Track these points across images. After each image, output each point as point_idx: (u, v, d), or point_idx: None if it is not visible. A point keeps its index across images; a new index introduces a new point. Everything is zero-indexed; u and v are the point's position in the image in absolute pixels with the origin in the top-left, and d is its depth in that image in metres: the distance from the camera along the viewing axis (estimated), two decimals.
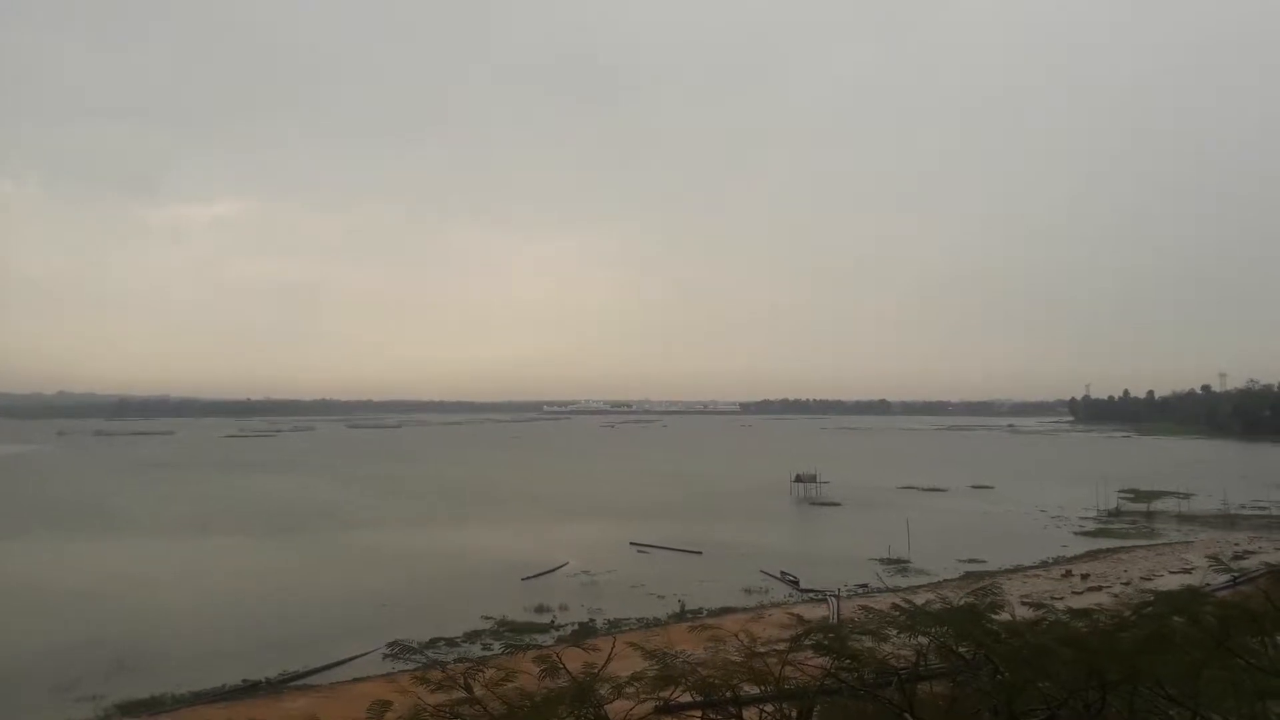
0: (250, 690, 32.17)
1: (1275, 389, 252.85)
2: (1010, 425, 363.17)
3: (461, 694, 9.90)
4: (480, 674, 10.12)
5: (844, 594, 45.00)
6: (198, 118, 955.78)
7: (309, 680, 33.47)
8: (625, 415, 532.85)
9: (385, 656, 35.87)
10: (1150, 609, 10.43)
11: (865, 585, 47.78)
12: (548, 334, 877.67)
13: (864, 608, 12.07)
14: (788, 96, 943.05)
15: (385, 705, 9.74)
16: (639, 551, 62.43)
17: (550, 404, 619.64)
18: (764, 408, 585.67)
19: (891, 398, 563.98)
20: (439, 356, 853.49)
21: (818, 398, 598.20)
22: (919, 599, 11.19)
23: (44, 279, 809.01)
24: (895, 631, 10.33)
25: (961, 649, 9.84)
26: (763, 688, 10.17)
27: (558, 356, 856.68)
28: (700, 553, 60.87)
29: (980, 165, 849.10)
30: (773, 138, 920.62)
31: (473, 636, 39.44)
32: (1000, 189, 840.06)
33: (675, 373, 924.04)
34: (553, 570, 54.69)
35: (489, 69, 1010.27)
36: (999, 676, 9.12)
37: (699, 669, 10.25)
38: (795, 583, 50.67)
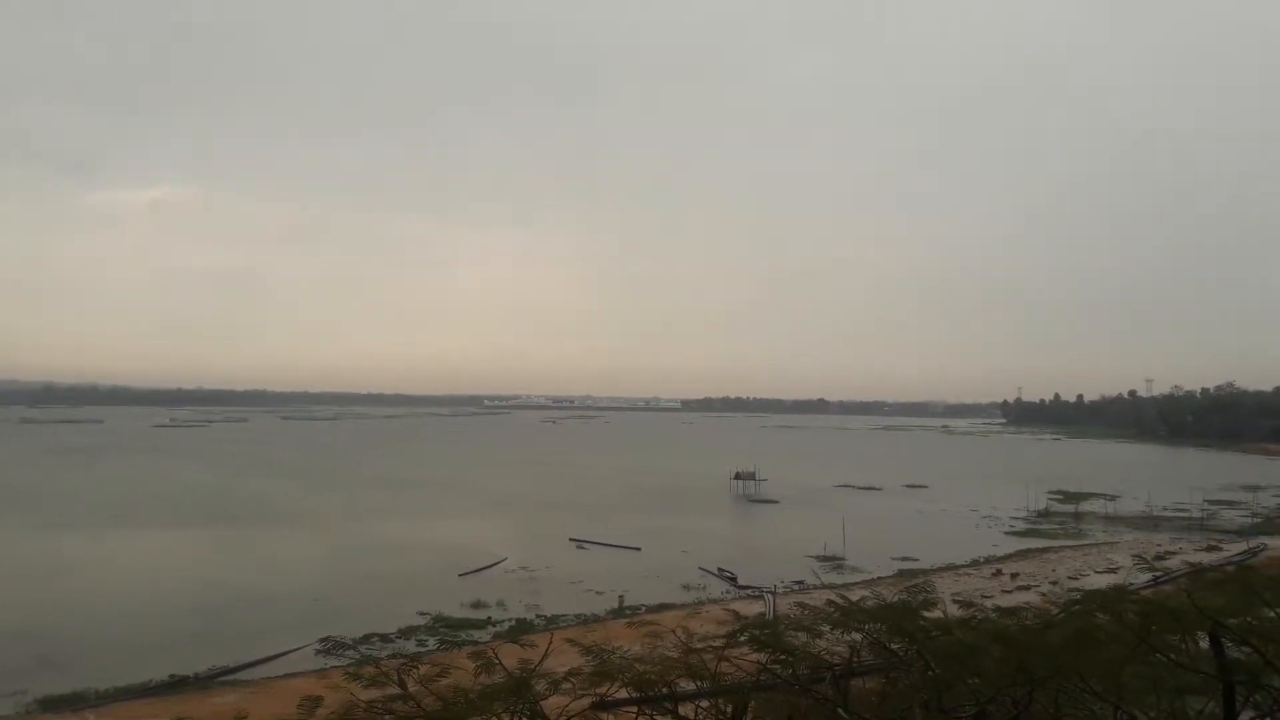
0: (177, 686, 31.48)
1: (1198, 395, 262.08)
2: (944, 426, 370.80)
3: (395, 690, 9.79)
4: (414, 670, 9.99)
5: (780, 590, 45.52)
6: (144, 103, 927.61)
7: (239, 675, 32.87)
8: (567, 411, 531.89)
9: (318, 652, 35.55)
10: (1077, 607, 10.72)
11: (801, 582, 48.29)
12: (491, 329, 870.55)
13: (799, 604, 12.21)
14: (742, 97, 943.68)
15: (316, 701, 9.56)
16: (578, 547, 62.40)
17: (491, 398, 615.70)
18: (705, 405, 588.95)
19: (830, 397, 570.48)
20: (378, 350, 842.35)
21: (758, 396, 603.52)
22: (854, 595, 11.32)
23: None
24: (830, 628, 10.46)
25: (894, 645, 9.99)
26: (699, 683, 10.24)
27: (500, 351, 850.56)
28: (639, 549, 61.02)
29: (937, 166, 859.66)
30: (727, 138, 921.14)
31: (408, 633, 39.04)
32: (951, 192, 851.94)
33: (619, 370, 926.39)
34: (491, 566, 54.38)
35: (443, 62, 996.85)
36: (930, 672, 9.27)
37: (636, 665, 10.26)
38: (733, 579, 51.07)
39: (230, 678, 32.56)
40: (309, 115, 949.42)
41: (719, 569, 53.57)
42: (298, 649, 35.71)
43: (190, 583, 49.47)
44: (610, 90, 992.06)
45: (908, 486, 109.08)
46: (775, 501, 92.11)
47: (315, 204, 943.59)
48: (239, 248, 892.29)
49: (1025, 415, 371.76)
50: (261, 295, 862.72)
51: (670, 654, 10.88)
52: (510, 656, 10.61)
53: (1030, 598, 38.32)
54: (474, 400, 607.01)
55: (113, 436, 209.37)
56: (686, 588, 48.98)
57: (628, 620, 38.65)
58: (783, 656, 9.72)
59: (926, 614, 10.05)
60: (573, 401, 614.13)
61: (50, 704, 29.46)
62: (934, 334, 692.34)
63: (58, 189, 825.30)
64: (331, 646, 20.32)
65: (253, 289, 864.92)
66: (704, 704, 10.27)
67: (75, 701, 29.46)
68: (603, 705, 10.75)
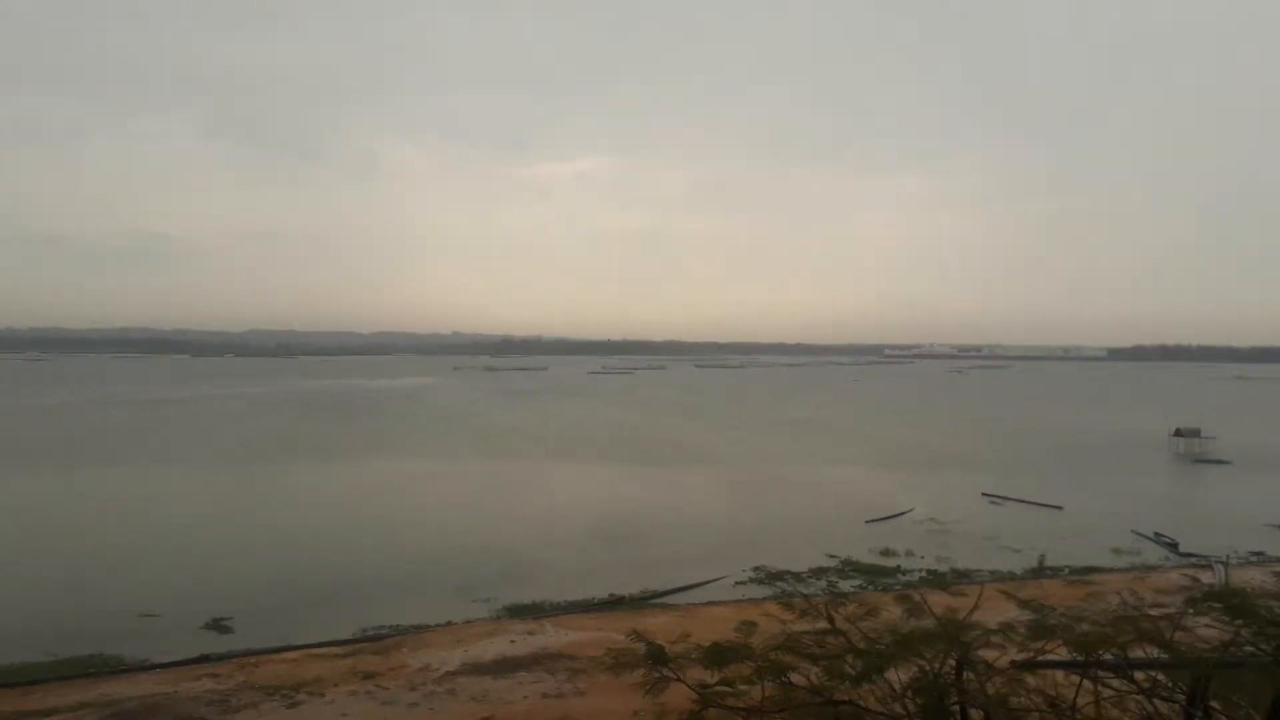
0: (615, 604, 34.91)
1: None
2: None
3: (824, 625, 10.17)
4: (842, 606, 10.32)
5: (1233, 561, 40.10)
6: (563, 85, 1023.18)
7: (666, 600, 35.70)
8: (973, 360, 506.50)
9: (736, 583, 37.78)
10: None
11: (1261, 553, 42.25)
12: (892, 277, 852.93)
13: (1275, 574, 10.72)
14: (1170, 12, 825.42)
15: (751, 626, 10.24)
16: (991, 502, 59.57)
17: (892, 348, 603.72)
18: (1137, 354, 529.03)
19: None
20: (779, 300, 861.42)
21: (1203, 344, 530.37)
22: None
23: (440, 232, 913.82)
24: None
25: None
26: (1150, 653, 9.41)
27: (902, 299, 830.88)
28: (1061, 508, 56.88)
29: None
30: (1142, 51, 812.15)
31: (818, 573, 39.87)
32: None
33: (1031, 314, 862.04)
34: (898, 515, 53.76)
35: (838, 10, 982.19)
36: None
37: (1078, 624, 9.70)
38: (1173, 545, 45.91)
39: (659, 601, 35.52)
40: (702, 84, 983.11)
41: (1155, 533, 48.43)
42: (717, 579, 38.08)
43: (616, 512, 54.48)
44: (1012, 14, 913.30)
45: None
46: (1226, 462, 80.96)
47: (712, 164, 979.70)
48: (652, 210, 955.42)
49: None
50: (671, 253, 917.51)
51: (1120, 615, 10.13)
52: (938, 603, 10.55)
53: None
54: (874, 349, 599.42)
55: (554, 381, 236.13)
56: (1117, 551, 44.86)
57: (1064, 580, 36.50)
58: (1265, 628, 8.65)
59: None
60: (979, 350, 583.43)
61: (515, 611, 34.00)
62: None
63: (501, 165, 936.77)
64: (764, 576, 21.50)
65: (665, 247, 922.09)
66: (1157, 675, 9.44)
67: (535, 611, 33.77)
68: (1035, 664, 10.29)
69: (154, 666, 27.15)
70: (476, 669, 25.59)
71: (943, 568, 41.42)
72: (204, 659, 27.63)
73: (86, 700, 23.35)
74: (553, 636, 28.99)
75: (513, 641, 28.36)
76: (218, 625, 31.96)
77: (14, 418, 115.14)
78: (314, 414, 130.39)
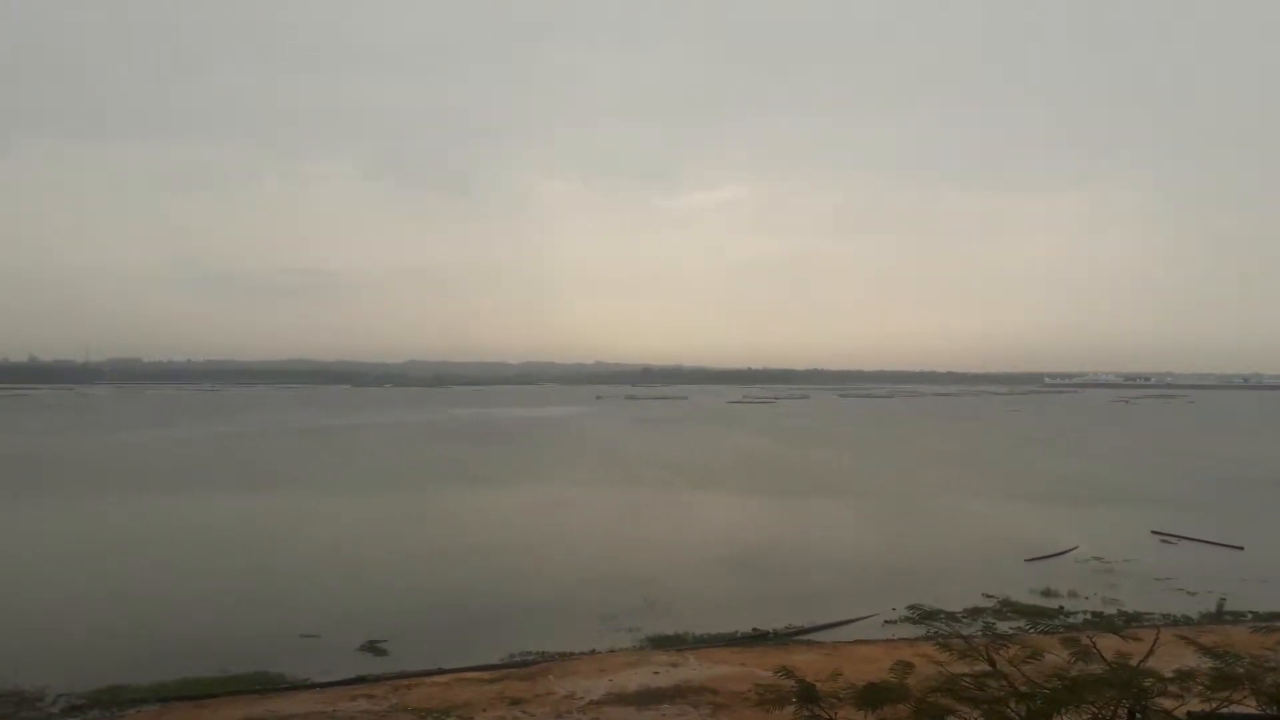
0: (758, 639, 34.33)
1: None
2: None
3: (984, 667, 9.65)
4: (1003, 649, 9.79)
5: None
6: (704, 114, 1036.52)
7: (811, 637, 34.88)
8: (1141, 389, 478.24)
9: (886, 622, 36.55)
10: None
11: None
12: (1050, 301, 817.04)
13: None
14: None
15: (907, 667, 9.82)
16: (1162, 541, 55.78)
17: (1053, 376, 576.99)
18: None
19: None
20: (928, 326, 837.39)
21: None
22: None
23: (585, 264, 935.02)
24: None
25: None
26: None
27: (1061, 325, 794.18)
28: (1241, 548, 52.73)
29: None
30: None
31: (974, 613, 38.05)
32: None
33: (1205, 340, 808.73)
34: (1060, 554, 50.98)
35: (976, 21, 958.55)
36: None
37: (1266, 674, 8.86)
38: None
39: (805, 638, 34.72)
40: (842, 105, 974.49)
41: None
42: (866, 617, 36.99)
43: (758, 543, 53.75)
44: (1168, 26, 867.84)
45: None
46: None
47: (858, 187, 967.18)
48: (793, 236, 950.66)
49: None
50: (815, 279, 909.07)
51: None
52: (1107, 647, 9.87)
53: None
54: (1033, 378, 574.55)
55: (694, 410, 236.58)
56: None
57: (1249, 626, 33.71)
58: None
59: None
60: (1148, 379, 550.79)
61: (657, 642, 33.84)
62: None
63: (644, 197, 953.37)
64: (916, 616, 20.60)
65: (807, 274, 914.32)
66: None
67: (677, 643, 33.55)
68: (1218, 717, 9.47)
69: (314, 685, 28.35)
70: (620, 699, 25.60)
71: (1110, 610, 38.95)
72: (360, 680, 28.67)
73: (252, 715, 24.57)
74: (695, 669, 28.74)
75: (655, 673, 28.26)
76: (373, 647, 33.10)
77: (193, 446, 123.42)
78: (466, 441, 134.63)
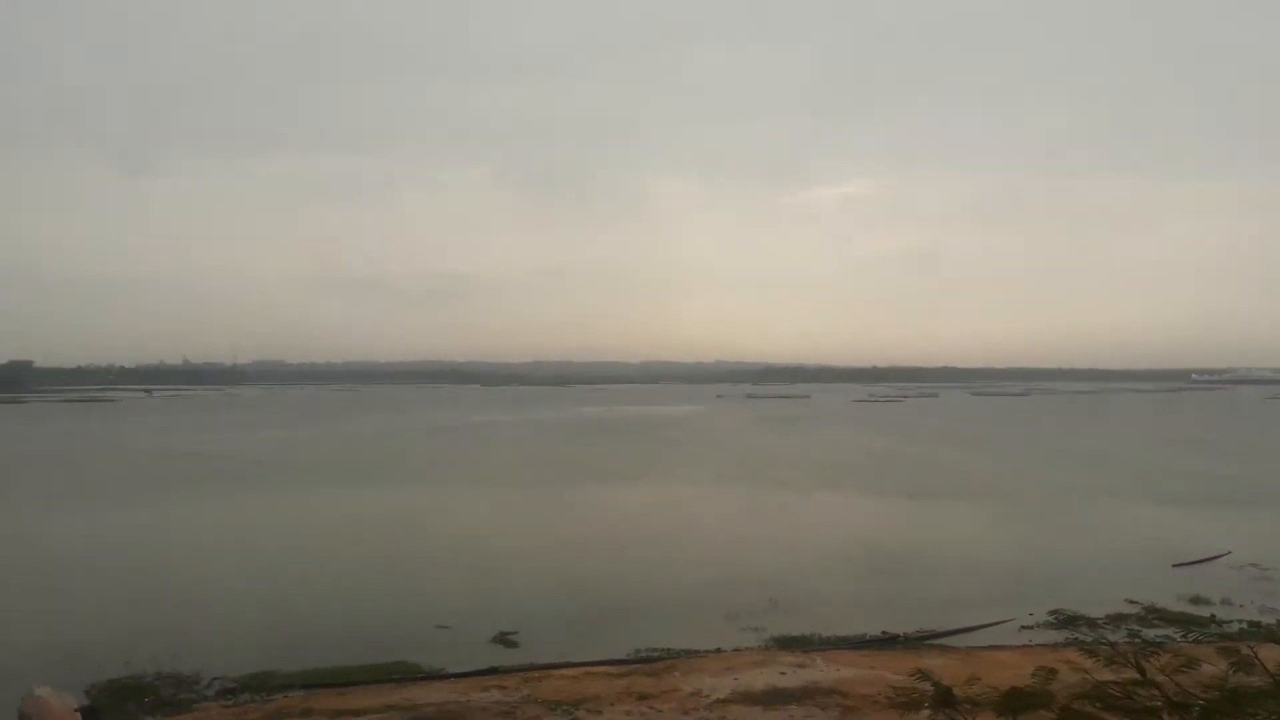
0: (887, 642, 33.66)
1: None
2: None
3: (1133, 675, 9.22)
4: (1154, 657, 9.32)
5: None
6: (825, 107, 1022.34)
7: (944, 641, 33.95)
8: None
9: (1022, 628, 35.25)
10: None
11: None
12: (1197, 293, 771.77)
13: None
14: None
15: (1050, 674, 9.46)
16: None
17: (1199, 372, 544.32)
18: None
19: None
20: (1066, 321, 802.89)
21: None
22: None
23: (704, 262, 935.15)
24: None
25: None
26: None
27: (1207, 317, 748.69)
28: None
29: None
30: None
31: (1117, 620, 36.35)
32: None
33: None
34: (1212, 559, 48.14)
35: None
36: None
37: None
38: None
39: (937, 642, 33.80)
40: (983, 86, 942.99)
41: None
42: (1002, 622, 35.78)
43: (886, 545, 52.58)
44: None
45: None
46: None
47: (994, 179, 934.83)
48: (922, 230, 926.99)
49: None
50: (946, 273, 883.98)
51: None
52: (1270, 657, 9.28)
53: None
54: (1178, 375, 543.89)
55: (818, 409, 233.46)
56: None
57: None
58: None
59: None
60: None
61: (783, 642, 33.57)
62: None
63: (763, 193, 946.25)
64: (1056, 622, 19.70)
65: (937, 268, 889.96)
66: None
67: (803, 644, 33.19)
68: None
69: (448, 675, 29.27)
70: (747, 698, 25.51)
71: (1269, 619, 36.62)
72: (492, 671, 29.45)
73: (392, 703, 25.54)
74: (822, 671, 28.36)
75: (782, 673, 28.03)
76: (503, 638, 33.95)
77: (336, 444, 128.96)
78: (590, 439, 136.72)
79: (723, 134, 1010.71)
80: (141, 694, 28.08)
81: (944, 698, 9.40)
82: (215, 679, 29.25)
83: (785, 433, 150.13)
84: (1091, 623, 35.27)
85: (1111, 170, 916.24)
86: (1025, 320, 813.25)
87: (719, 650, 32.03)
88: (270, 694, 27.89)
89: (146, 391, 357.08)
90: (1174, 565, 46.77)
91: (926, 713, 9.50)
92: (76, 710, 25.03)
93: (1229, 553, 49.34)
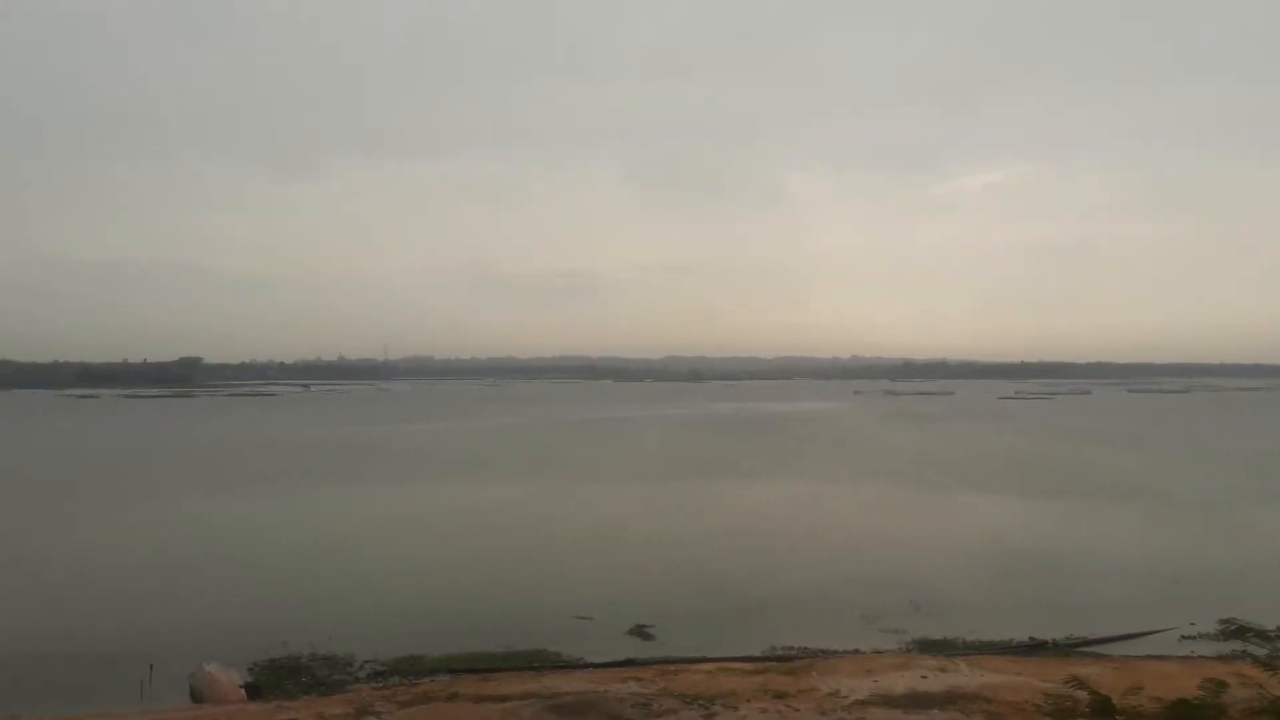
0: (1035, 648, 32.33)
1: None
2: None
3: None
4: None
5: None
6: (963, 94, 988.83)
7: (1097, 649, 32.37)
8: None
9: (1184, 637, 33.23)
10: None
11: None
12: None
13: None
14: None
15: (1220, 686, 8.88)
16: None
17: None
18: None
19: None
20: (1231, 312, 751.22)
21: None
22: None
23: (838, 256, 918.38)
24: None
25: None
26: None
27: None
28: None
29: None
30: None
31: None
32: None
33: None
34: None
35: None
36: None
37: None
38: None
39: (1089, 650, 32.26)
40: (1133, 68, 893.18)
41: None
42: (1161, 631, 33.84)
43: (1034, 548, 50.47)
44: None
45: None
46: None
47: (1153, 162, 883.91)
48: (1070, 218, 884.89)
49: None
50: (1096, 264, 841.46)
51: None
52: None
53: None
54: None
55: (961, 406, 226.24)
56: None
57: None
58: None
59: None
60: None
61: (924, 646, 32.63)
62: None
63: (899, 184, 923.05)
64: (1222, 633, 18.64)
65: (1086, 258, 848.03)
66: None
67: (945, 648, 32.18)
68: None
69: (586, 665, 29.76)
70: (887, 701, 24.94)
71: None
72: (629, 662, 29.76)
73: (532, 691, 26.12)
74: (966, 676, 27.44)
75: (923, 677, 27.26)
76: (640, 631, 34.26)
77: (481, 437, 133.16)
78: (725, 435, 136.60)
79: (851, 124, 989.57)
80: (299, 673, 29.66)
81: (1102, 707, 8.93)
82: (366, 661, 30.61)
83: (928, 430, 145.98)
84: (1265, 635, 33.12)
85: (1274, 153, 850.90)
86: (1185, 313, 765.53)
87: (857, 651, 31.41)
88: (418, 677, 28.97)
89: (304, 386, 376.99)
90: None
91: None
92: (241, 686, 26.73)
93: None
